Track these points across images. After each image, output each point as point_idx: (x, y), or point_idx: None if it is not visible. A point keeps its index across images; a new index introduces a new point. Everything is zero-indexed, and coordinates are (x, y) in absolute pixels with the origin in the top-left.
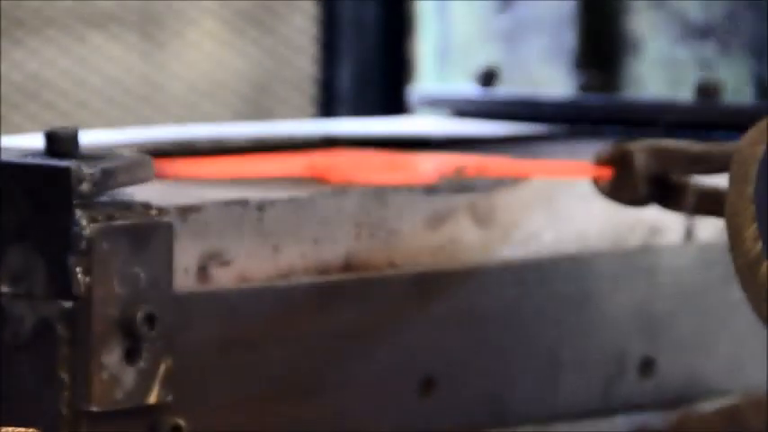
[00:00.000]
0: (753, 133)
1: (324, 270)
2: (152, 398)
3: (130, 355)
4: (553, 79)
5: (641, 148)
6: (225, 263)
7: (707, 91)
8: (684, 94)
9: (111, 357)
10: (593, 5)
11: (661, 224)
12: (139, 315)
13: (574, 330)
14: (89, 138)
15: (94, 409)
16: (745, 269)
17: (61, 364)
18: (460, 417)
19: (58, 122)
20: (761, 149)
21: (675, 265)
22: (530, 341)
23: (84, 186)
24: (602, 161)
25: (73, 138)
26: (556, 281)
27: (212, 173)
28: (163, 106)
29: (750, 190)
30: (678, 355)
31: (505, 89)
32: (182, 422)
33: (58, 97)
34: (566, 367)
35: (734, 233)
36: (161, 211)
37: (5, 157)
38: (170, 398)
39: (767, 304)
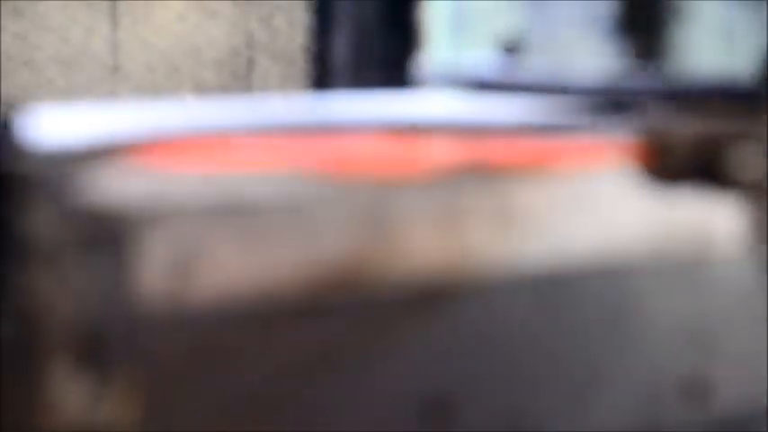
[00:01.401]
0: None
1: (317, 279)
2: (108, 418)
3: (83, 373)
4: (586, 50)
5: (685, 124)
6: (199, 272)
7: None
8: (740, 64)
9: (64, 376)
10: None
11: (714, 225)
12: (95, 330)
13: (608, 349)
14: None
15: (41, 430)
16: None
17: (8, 379)
18: None
19: (17, 94)
20: None
21: (730, 273)
22: (556, 361)
23: (36, 188)
24: (639, 142)
25: (24, 126)
26: (588, 293)
27: (196, 164)
28: (127, 79)
29: None
30: (732, 375)
31: (531, 60)
32: None
33: (6, 70)
34: (600, 389)
35: None
36: (129, 217)
37: None
38: (129, 418)
39: None
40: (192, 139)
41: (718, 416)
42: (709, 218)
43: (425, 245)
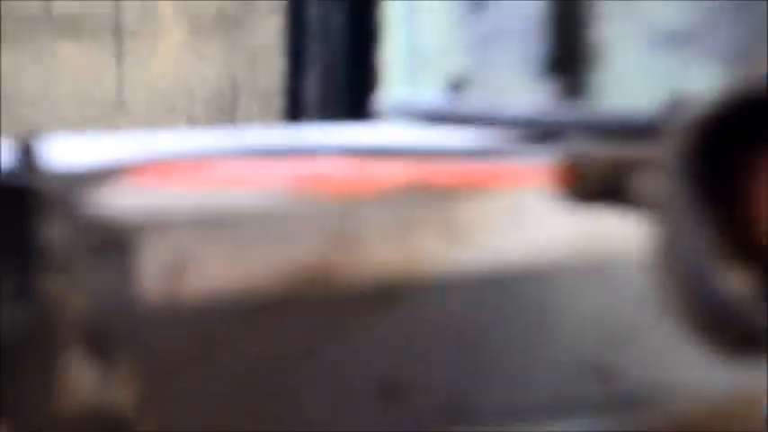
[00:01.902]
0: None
1: (290, 280)
2: (114, 400)
3: (93, 362)
4: (522, 87)
5: (594, 155)
6: (191, 275)
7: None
8: (654, 103)
9: (75, 364)
10: (563, 13)
11: (621, 233)
12: (102, 325)
13: (535, 338)
14: (66, 145)
15: (57, 410)
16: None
17: (29, 367)
18: (421, 419)
19: (24, 129)
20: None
21: (634, 275)
22: (490, 349)
23: (52, 203)
24: (560, 167)
25: (41, 152)
26: (520, 291)
27: (187, 183)
28: (129, 114)
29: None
30: (636, 361)
31: (475, 97)
32: (142, 424)
33: (25, 104)
34: (527, 372)
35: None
36: (129, 227)
37: None
38: (132, 400)
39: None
40: (183, 162)
41: (624, 394)
42: (617, 230)
43: (381, 251)
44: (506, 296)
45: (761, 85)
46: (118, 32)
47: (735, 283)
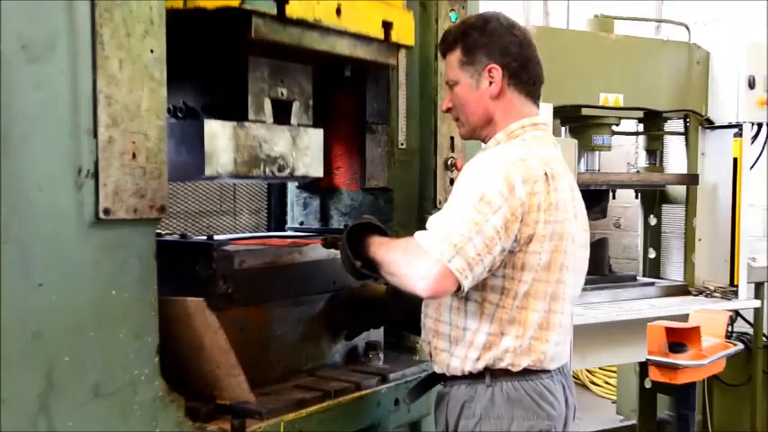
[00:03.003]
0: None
1: (269, 262)
2: (228, 291)
3: (225, 284)
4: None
5: (330, 237)
6: (245, 261)
7: None
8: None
9: (222, 285)
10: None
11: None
12: (224, 274)
13: (318, 274)
14: None
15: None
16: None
17: (209, 287)
18: (302, 291)
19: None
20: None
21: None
22: (311, 277)
23: (215, 249)
24: (324, 239)
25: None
26: (317, 265)
27: (246, 243)
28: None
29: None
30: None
31: (303, 226)
32: (234, 296)
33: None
34: (318, 281)
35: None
36: (230, 251)
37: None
38: (232, 290)
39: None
40: (242, 239)
41: (339, 286)
42: (335, 253)
43: (290, 256)
44: (314, 265)
45: (364, 222)
46: None
47: (357, 263)
